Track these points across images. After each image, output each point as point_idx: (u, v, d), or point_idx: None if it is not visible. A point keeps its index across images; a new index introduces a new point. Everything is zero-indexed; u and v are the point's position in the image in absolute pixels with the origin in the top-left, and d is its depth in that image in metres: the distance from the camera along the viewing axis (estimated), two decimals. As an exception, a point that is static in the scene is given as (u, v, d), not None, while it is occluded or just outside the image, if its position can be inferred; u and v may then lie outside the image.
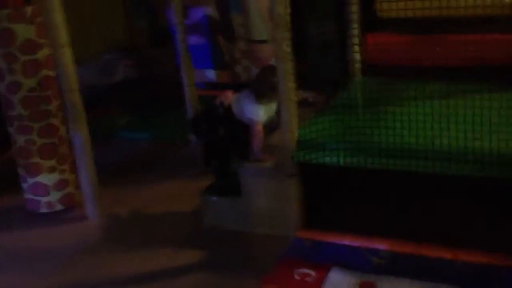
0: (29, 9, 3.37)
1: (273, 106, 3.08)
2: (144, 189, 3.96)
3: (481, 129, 2.45)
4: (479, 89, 2.81)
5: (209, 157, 3.35)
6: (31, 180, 3.62)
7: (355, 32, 3.55)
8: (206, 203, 3.38)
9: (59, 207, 3.69)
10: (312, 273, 2.63)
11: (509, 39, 3.14)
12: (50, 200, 3.66)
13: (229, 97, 3.20)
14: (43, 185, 3.62)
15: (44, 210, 3.68)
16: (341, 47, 3.64)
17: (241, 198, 3.25)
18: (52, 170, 3.61)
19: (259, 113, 3.03)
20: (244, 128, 3.07)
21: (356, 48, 3.59)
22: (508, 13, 3.10)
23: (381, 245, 2.73)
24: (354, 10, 3.50)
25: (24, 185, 3.68)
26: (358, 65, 3.65)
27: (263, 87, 3.04)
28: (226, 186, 3.38)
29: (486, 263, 2.51)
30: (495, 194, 2.88)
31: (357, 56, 3.63)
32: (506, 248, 2.58)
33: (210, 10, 5.75)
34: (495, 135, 2.41)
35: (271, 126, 3.16)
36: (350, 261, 2.69)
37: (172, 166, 4.32)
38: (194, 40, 5.39)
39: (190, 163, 4.25)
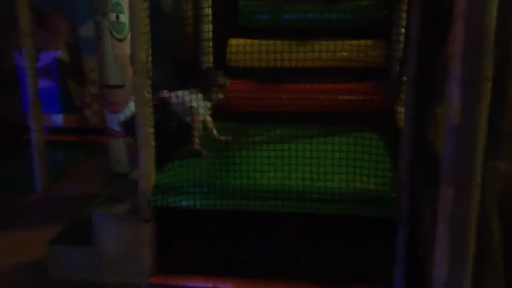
0: None
1: (208, 104, 3.26)
2: (-18, 241, 3.63)
3: (324, 170, 2.67)
4: (321, 133, 3.08)
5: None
6: None
7: (209, 79, 3.68)
8: (54, 252, 3.19)
9: None
10: (168, 318, 2.59)
11: (347, 88, 3.48)
12: None
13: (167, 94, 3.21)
14: None
15: None
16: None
17: (92, 246, 3.12)
18: None
19: (201, 105, 3.17)
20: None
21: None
22: (348, 65, 3.42)
23: (232, 285, 2.79)
24: (208, 60, 3.65)
25: None
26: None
27: (208, 84, 3.23)
28: (77, 233, 3.23)
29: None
30: (340, 230, 3.13)
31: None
32: (351, 281, 2.80)
33: (60, 53, 5.58)
34: (337, 175, 2.64)
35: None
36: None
37: (15, 215, 4.02)
38: (41, 83, 5.17)
39: (35, 211, 3.99)
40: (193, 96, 3.15)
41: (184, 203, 2.82)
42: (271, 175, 2.74)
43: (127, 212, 3.10)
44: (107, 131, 4.49)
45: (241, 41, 3.63)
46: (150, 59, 2.77)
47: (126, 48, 4.22)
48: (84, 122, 5.65)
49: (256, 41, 3.59)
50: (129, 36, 3.55)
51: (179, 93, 3.17)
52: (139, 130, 2.81)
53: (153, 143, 2.85)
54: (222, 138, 3.27)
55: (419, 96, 2.43)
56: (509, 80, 2.03)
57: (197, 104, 3.15)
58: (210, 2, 3.56)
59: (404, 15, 3.11)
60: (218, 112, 3.75)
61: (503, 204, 2.02)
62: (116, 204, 3.18)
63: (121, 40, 4.32)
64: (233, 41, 3.73)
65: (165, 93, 3.20)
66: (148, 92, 2.76)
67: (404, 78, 2.72)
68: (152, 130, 2.82)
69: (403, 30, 3.11)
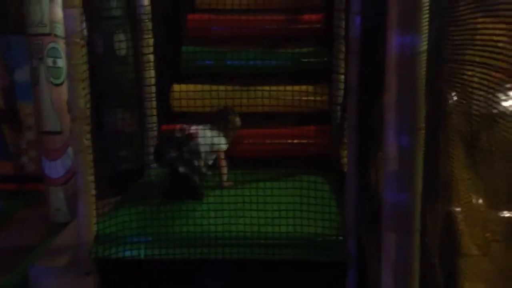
0: None
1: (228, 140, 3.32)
2: None
3: (272, 215, 2.67)
4: (267, 177, 3.09)
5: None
6: None
7: (152, 125, 3.65)
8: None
9: None
10: None
11: (290, 132, 3.52)
12: None
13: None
14: None
15: None
16: (137, 138, 3.69)
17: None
18: None
19: (225, 143, 3.26)
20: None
21: (152, 140, 3.68)
22: (291, 110, 3.46)
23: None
24: (152, 106, 3.63)
25: None
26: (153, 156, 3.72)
27: (226, 122, 3.34)
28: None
29: None
30: (290, 276, 3.11)
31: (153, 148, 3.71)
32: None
33: (-7, 98, 5.40)
34: (284, 219, 2.64)
35: None
36: None
37: None
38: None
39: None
40: (216, 133, 3.22)
41: (128, 253, 2.74)
42: (217, 221, 2.72)
43: (67, 264, 2.97)
44: (45, 179, 4.33)
45: (184, 86, 3.65)
46: (89, 105, 2.71)
47: (64, 93, 4.12)
48: (21, 170, 5.44)
49: (199, 87, 3.63)
50: (66, 82, 3.49)
51: (204, 130, 3.22)
52: (79, 178, 2.73)
53: (93, 192, 2.77)
54: (228, 184, 3.23)
55: (361, 140, 2.50)
56: (441, 127, 2.12)
57: (221, 140, 3.22)
58: (151, 49, 3.56)
59: (342, 62, 3.23)
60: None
61: (443, 246, 2.08)
62: (55, 257, 3.03)
63: (58, 85, 4.24)
64: (176, 87, 3.74)
65: (192, 128, 3.21)
66: (86, 139, 2.70)
67: (347, 123, 2.80)
68: (92, 178, 2.75)
69: (342, 77, 3.22)
